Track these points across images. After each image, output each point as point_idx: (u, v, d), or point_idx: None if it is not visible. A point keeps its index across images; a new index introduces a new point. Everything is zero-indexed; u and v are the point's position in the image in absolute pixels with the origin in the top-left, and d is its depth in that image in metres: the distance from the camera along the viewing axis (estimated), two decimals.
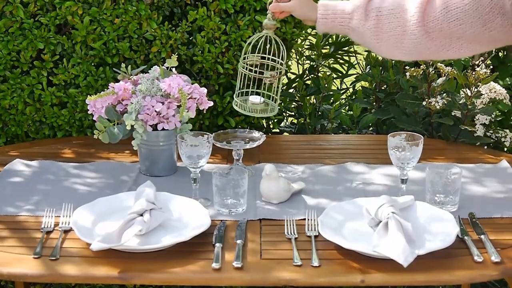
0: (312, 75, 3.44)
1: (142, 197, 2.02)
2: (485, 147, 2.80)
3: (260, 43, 2.32)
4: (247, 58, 2.35)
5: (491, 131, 2.80)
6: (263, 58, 2.37)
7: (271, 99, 2.41)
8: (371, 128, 3.28)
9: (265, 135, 2.43)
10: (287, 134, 3.26)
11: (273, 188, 2.18)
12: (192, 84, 2.38)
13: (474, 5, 1.96)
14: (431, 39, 2.06)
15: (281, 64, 2.36)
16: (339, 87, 3.69)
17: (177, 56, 2.47)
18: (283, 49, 2.33)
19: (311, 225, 2.05)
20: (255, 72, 2.33)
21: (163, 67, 2.44)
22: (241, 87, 2.36)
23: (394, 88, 3.15)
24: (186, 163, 2.17)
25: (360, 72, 3.66)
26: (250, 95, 2.41)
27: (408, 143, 2.17)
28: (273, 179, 2.18)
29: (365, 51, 3.67)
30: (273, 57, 2.35)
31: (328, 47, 3.57)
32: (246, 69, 2.33)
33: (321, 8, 2.19)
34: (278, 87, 2.36)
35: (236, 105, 2.36)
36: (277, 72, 2.35)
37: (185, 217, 2.07)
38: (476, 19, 1.97)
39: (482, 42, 2.03)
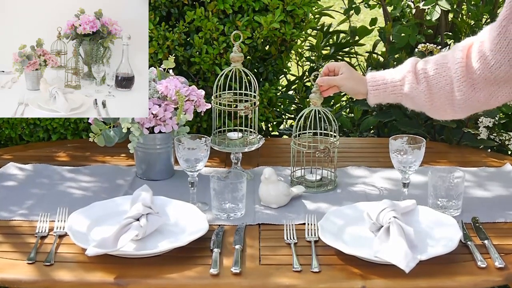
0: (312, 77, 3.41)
1: (139, 201, 2.01)
2: (489, 150, 2.79)
3: (229, 76, 2.35)
4: (220, 96, 2.38)
5: (495, 134, 2.79)
6: (235, 94, 2.40)
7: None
8: (372, 131, 3.26)
9: (264, 138, 2.42)
10: (287, 137, 3.23)
11: (272, 192, 2.16)
12: (189, 86, 2.37)
13: (505, 42, 1.98)
14: (478, 90, 2.07)
15: (254, 96, 2.37)
16: None
17: (174, 57, 2.45)
18: (254, 81, 2.35)
19: (311, 230, 2.04)
20: (229, 106, 2.37)
21: (160, 68, 2.43)
22: (217, 124, 2.40)
23: None
24: (183, 167, 2.16)
25: (361, 74, 3.63)
26: (228, 131, 2.45)
27: (410, 146, 2.15)
28: (272, 183, 2.16)
29: (366, 52, 3.64)
30: (245, 92, 2.38)
31: (328, 48, 3.54)
32: (220, 105, 2.36)
33: (370, 80, 2.19)
34: (254, 119, 2.38)
35: (215, 143, 2.36)
36: (251, 104, 2.35)
37: (182, 222, 2.06)
38: None
39: None
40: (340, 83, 2.23)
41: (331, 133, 2.32)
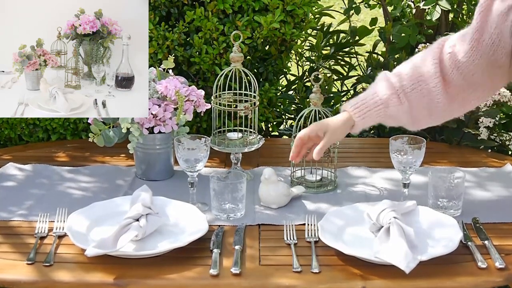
0: (312, 77, 3.41)
1: (138, 201, 2.00)
2: (489, 150, 2.77)
3: (229, 76, 2.35)
4: (219, 96, 2.37)
5: (495, 134, 2.78)
6: (235, 94, 2.39)
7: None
8: (372, 131, 3.25)
9: (263, 138, 2.42)
10: (287, 137, 3.23)
11: (272, 192, 2.15)
12: (189, 86, 2.36)
13: (477, 54, 1.99)
14: (454, 100, 2.09)
15: (254, 96, 2.37)
16: (340, 89, 3.66)
17: (174, 57, 2.44)
18: (254, 81, 2.35)
19: (311, 230, 2.03)
20: (229, 106, 2.37)
21: (159, 68, 2.42)
22: (217, 124, 2.39)
23: None
24: (183, 167, 2.15)
25: (361, 74, 3.63)
26: (228, 131, 2.45)
27: (410, 146, 2.15)
28: (272, 183, 2.16)
29: (366, 52, 3.64)
30: (245, 92, 2.37)
31: (328, 48, 3.54)
32: (220, 105, 2.36)
33: (355, 110, 2.10)
34: (254, 119, 2.38)
35: (215, 143, 2.37)
36: (250, 104, 2.35)
37: (182, 222, 2.05)
38: (486, 64, 1.99)
39: (496, 77, 2.04)
40: (333, 139, 2.11)
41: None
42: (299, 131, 2.28)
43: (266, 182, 2.17)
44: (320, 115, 2.27)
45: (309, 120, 2.27)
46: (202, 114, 2.64)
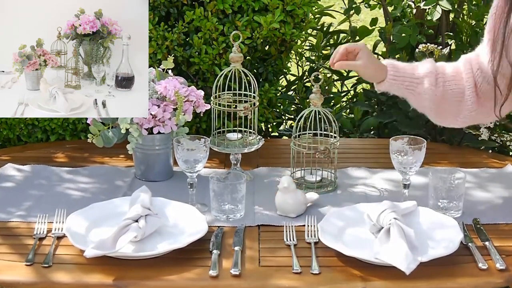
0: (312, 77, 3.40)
1: (137, 202, 2.00)
2: (490, 151, 2.77)
3: (229, 77, 2.34)
4: (219, 97, 2.37)
5: (496, 135, 2.78)
6: (235, 94, 2.39)
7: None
8: (372, 132, 3.25)
9: (263, 139, 2.41)
10: (286, 137, 3.22)
11: (290, 201, 2.11)
12: (188, 86, 2.36)
13: (504, 62, 2.04)
14: (483, 103, 2.12)
15: (254, 96, 2.37)
16: (340, 90, 3.65)
17: (173, 57, 2.44)
18: (254, 81, 2.34)
19: (311, 231, 2.03)
20: (229, 106, 2.36)
21: (159, 69, 2.41)
22: (216, 125, 2.39)
23: None
24: (182, 168, 2.14)
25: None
26: (227, 132, 2.45)
27: (411, 147, 2.15)
28: (291, 191, 2.12)
29: None
30: (244, 92, 2.37)
31: (328, 48, 3.53)
32: (220, 105, 2.35)
33: (392, 70, 2.14)
34: (253, 119, 2.37)
35: (215, 144, 2.36)
36: (250, 105, 2.34)
37: (181, 223, 2.05)
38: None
39: None
40: (358, 69, 2.17)
41: (331, 133, 2.31)
42: (299, 132, 2.27)
43: (284, 191, 2.11)
44: (320, 116, 2.27)
45: (309, 121, 2.27)
46: (201, 115, 2.63)
